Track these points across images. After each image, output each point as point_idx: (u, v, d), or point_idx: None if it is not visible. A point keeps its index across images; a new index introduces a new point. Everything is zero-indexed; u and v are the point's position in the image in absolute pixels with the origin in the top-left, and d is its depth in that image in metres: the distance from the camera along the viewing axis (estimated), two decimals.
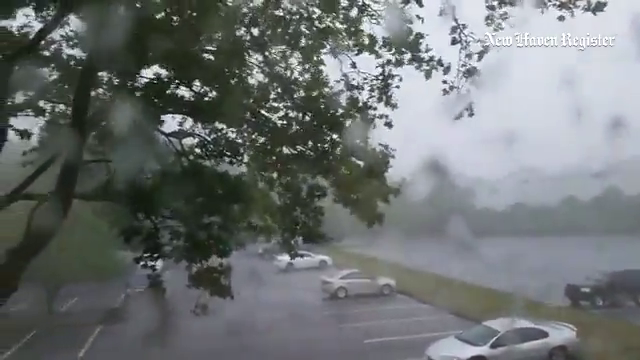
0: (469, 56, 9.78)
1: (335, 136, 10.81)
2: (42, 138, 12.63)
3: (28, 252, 9.44)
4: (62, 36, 10.38)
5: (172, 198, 10.85)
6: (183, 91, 11.10)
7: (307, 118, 10.85)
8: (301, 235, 11.72)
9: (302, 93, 10.89)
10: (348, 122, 10.84)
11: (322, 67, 10.71)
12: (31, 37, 9.75)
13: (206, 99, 11.17)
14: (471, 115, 10.02)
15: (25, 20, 9.63)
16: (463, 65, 9.82)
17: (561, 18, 8.89)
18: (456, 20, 9.66)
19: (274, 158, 11.43)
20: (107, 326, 24.22)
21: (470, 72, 9.78)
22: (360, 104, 10.52)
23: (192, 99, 11.17)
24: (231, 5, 9.93)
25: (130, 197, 10.46)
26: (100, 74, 10.48)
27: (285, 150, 11.25)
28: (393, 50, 10.05)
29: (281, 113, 11.17)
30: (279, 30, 10.24)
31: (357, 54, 10.28)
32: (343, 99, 10.64)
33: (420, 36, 9.70)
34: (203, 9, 9.19)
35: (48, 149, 11.96)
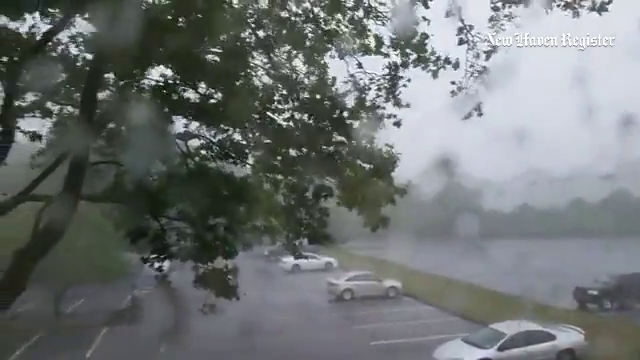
0: (477, 56, 9.73)
1: (341, 137, 10.79)
2: (49, 140, 12.71)
3: (36, 253, 9.48)
4: (69, 37, 10.43)
5: (178, 199, 10.90)
6: (189, 93, 11.16)
7: (312, 119, 10.84)
8: (306, 236, 11.72)
9: (307, 94, 10.87)
10: (355, 123, 10.81)
11: (328, 68, 10.69)
12: (38, 38, 9.79)
13: (212, 101, 11.21)
14: (480, 115, 9.96)
15: (31, 21, 9.68)
16: (471, 66, 9.77)
17: (568, 17, 8.85)
18: (462, 21, 9.63)
19: (279, 159, 11.42)
20: (113, 327, 24.30)
21: (480, 71, 9.72)
22: (368, 104, 10.48)
23: (198, 101, 11.20)
24: (237, 7, 9.94)
25: (137, 198, 10.51)
26: (107, 75, 10.51)
27: (291, 152, 11.25)
28: (399, 52, 10.02)
29: (286, 115, 11.16)
30: (284, 32, 10.24)
31: (363, 55, 10.26)
32: (350, 99, 10.62)
33: (425, 37, 9.67)
34: (209, 11, 9.20)
35: (55, 151, 12.03)
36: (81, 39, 10.59)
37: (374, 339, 20.76)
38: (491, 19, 9.51)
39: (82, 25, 10.14)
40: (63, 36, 10.35)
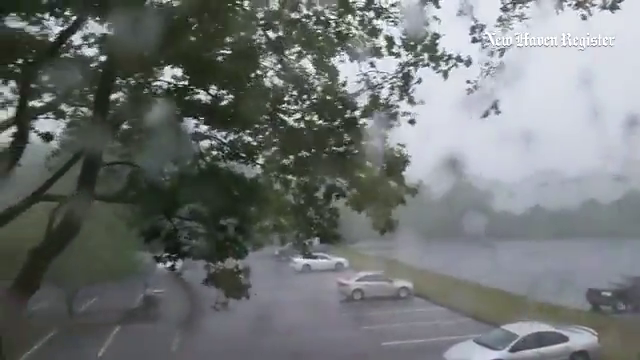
0: (492, 54, 9.66)
1: (351, 137, 10.78)
2: (63, 140, 12.85)
3: (49, 252, 9.60)
4: (83, 38, 10.53)
5: (191, 199, 10.99)
6: (201, 95, 11.23)
7: (323, 120, 10.85)
8: (316, 236, 11.74)
9: (318, 95, 10.88)
10: (367, 122, 10.77)
11: (339, 68, 10.69)
12: (52, 40, 9.89)
13: (223, 103, 11.27)
14: (498, 113, 9.89)
15: (45, 23, 9.77)
16: (487, 64, 9.70)
17: (583, 17, 8.77)
18: (475, 20, 9.57)
19: (290, 159, 11.45)
20: (125, 326, 24.50)
21: (496, 68, 9.64)
22: (381, 102, 10.44)
23: (209, 102, 11.27)
24: (248, 9, 9.97)
25: (151, 198, 10.60)
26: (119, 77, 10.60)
27: (302, 152, 11.26)
28: (410, 52, 9.99)
29: (297, 115, 11.19)
30: (295, 33, 10.26)
31: (374, 57, 10.23)
32: (363, 98, 10.59)
33: (437, 37, 9.65)
34: (221, 12, 9.24)
35: (69, 151, 12.17)
36: (93, 40, 10.68)
37: (385, 339, 20.73)
38: (499, 19, 9.46)
39: (94, 26, 10.24)
40: (76, 38, 10.45)
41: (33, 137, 10.78)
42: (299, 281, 34.64)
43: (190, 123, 11.85)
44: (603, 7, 8.66)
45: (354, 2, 9.90)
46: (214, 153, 12.11)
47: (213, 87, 11.08)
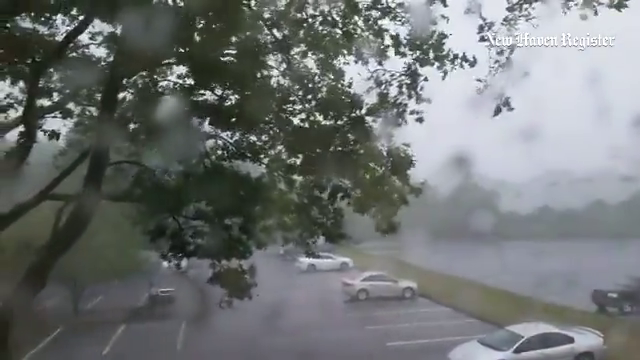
0: (501, 52, 9.60)
1: (357, 137, 10.77)
2: (70, 139, 12.93)
3: (55, 251, 9.67)
4: (90, 38, 10.60)
5: (196, 199, 11.04)
6: (206, 95, 11.27)
7: (329, 119, 10.84)
8: (320, 235, 11.73)
9: (324, 94, 10.87)
10: (372, 121, 10.74)
11: (345, 67, 10.68)
12: (59, 40, 9.95)
13: (228, 103, 11.29)
14: (510, 110, 9.81)
15: (52, 23, 9.83)
16: (496, 61, 9.63)
17: (583, 17, 8.70)
18: (483, 18, 9.51)
19: (296, 158, 11.45)
20: (130, 325, 24.60)
21: (505, 65, 9.56)
22: (390, 100, 10.40)
23: (215, 102, 11.29)
24: (255, 8, 9.99)
25: (157, 197, 10.66)
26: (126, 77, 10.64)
27: (307, 152, 11.26)
28: (416, 51, 9.96)
29: (303, 115, 11.18)
30: (301, 32, 10.26)
31: (380, 58, 10.21)
32: (371, 97, 10.56)
33: (443, 36, 9.62)
34: (227, 11, 9.26)
35: (76, 150, 12.25)
36: (100, 39, 10.75)
37: (389, 340, 20.71)
38: (505, 19, 9.41)
39: (101, 26, 10.29)
40: (84, 37, 10.52)
41: (40, 136, 10.84)
42: (304, 280, 34.62)
43: (195, 122, 11.88)
44: (610, 5, 8.58)
45: (360, 2, 9.88)
46: (219, 152, 12.14)
47: (218, 87, 11.11)
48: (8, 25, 9.15)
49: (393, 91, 10.39)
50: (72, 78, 10.99)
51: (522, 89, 10.28)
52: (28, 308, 9.97)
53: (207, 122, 11.57)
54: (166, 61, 10.64)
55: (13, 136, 10.01)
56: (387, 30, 9.94)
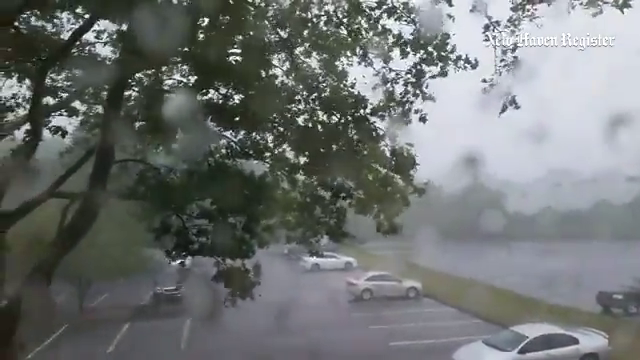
0: (506, 52, 9.56)
1: (361, 136, 10.76)
2: (76, 137, 12.99)
3: (61, 248, 9.71)
4: (95, 37, 10.64)
5: (200, 197, 11.06)
6: (211, 94, 11.29)
7: (333, 119, 10.84)
8: (324, 234, 11.72)
9: (328, 94, 10.87)
10: (378, 120, 10.72)
11: (348, 69, 10.67)
12: (64, 38, 10.00)
13: (232, 102, 11.31)
14: (517, 108, 9.77)
15: (58, 21, 9.89)
16: (502, 60, 9.59)
17: (594, 15, 8.65)
18: (489, 17, 9.47)
19: (300, 157, 11.45)
20: (135, 322, 24.70)
21: (512, 63, 9.51)
22: (396, 99, 10.38)
23: (219, 102, 11.32)
24: (259, 7, 10.00)
25: (160, 195, 10.70)
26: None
27: (311, 151, 11.26)
28: (422, 52, 9.94)
29: (307, 115, 11.19)
30: (306, 32, 10.26)
31: (385, 59, 10.19)
32: (376, 96, 10.54)
33: (447, 36, 9.59)
34: (232, 10, 9.27)
35: (81, 148, 12.30)
36: (106, 37, 10.79)
37: (394, 340, 20.70)
38: (510, 19, 9.37)
39: (106, 24, 10.33)
40: (89, 36, 10.56)
41: (46, 134, 10.91)
42: (308, 280, 34.66)
43: (203, 121, 11.90)
44: (615, 5, 8.52)
45: (364, 2, 9.87)
46: (223, 151, 12.16)
47: (223, 86, 11.13)
48: (16, 24, 9.21)
49: (399, 89, 10.38)
50: (78, 76, 11.03)
51: (528, 89, 10.25)
52: (34, 305, 10.02)
53: (210, 120, 11.58)
54: (172, 59, 10.65)
55: (22, 134, 10.08)
56: (391, 30, 9.94)
